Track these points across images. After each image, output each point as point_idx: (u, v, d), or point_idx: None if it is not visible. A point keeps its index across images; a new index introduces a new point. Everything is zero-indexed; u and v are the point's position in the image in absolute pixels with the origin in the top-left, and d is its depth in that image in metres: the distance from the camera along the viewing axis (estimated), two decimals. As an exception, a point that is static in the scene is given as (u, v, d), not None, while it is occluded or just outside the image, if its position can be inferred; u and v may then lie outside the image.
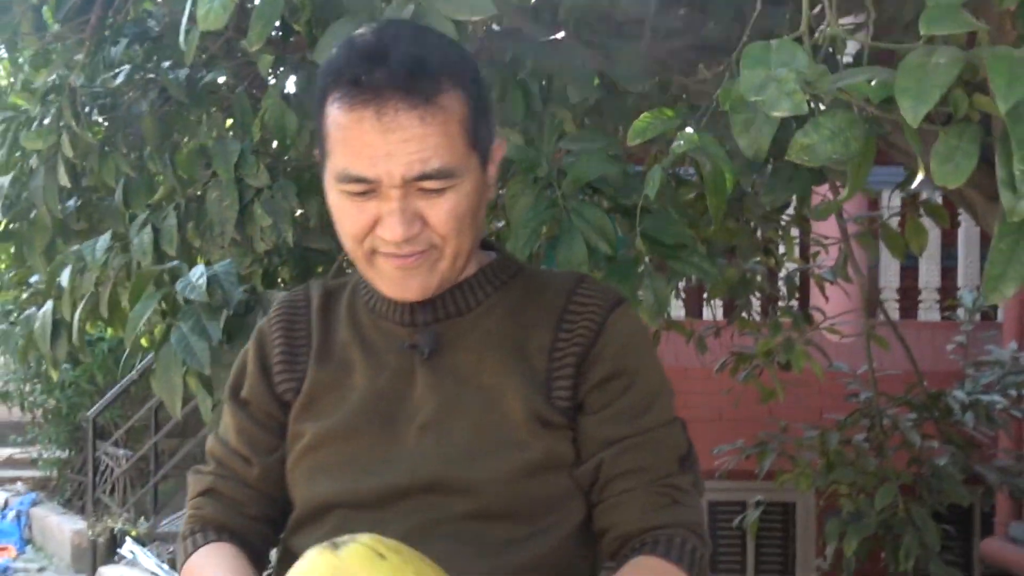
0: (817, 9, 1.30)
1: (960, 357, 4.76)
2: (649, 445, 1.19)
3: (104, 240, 2.15)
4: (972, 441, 4.33)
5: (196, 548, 1.27)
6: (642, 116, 1.41)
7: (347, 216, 1.16)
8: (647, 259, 1.75)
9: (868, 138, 1.03)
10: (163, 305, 1.89)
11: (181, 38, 2.00)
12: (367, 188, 1.13)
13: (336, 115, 1.13)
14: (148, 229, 2.16)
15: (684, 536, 1.18)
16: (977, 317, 5.23)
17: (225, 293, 1.86)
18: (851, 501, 4.13)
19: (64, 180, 2.21)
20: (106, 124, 2.50)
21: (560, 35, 2.39)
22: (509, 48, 2.29)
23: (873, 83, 1.01)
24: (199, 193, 2.28)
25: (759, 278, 4.03)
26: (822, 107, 1.09)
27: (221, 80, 2.49)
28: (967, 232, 6.04)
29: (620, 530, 1.21)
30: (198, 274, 1.78)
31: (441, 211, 1.14)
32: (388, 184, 1.11)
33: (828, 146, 1.02)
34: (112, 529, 6.90)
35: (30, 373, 10.03)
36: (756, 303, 4.50)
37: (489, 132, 1.21)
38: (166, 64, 2.53)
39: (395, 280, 1.17)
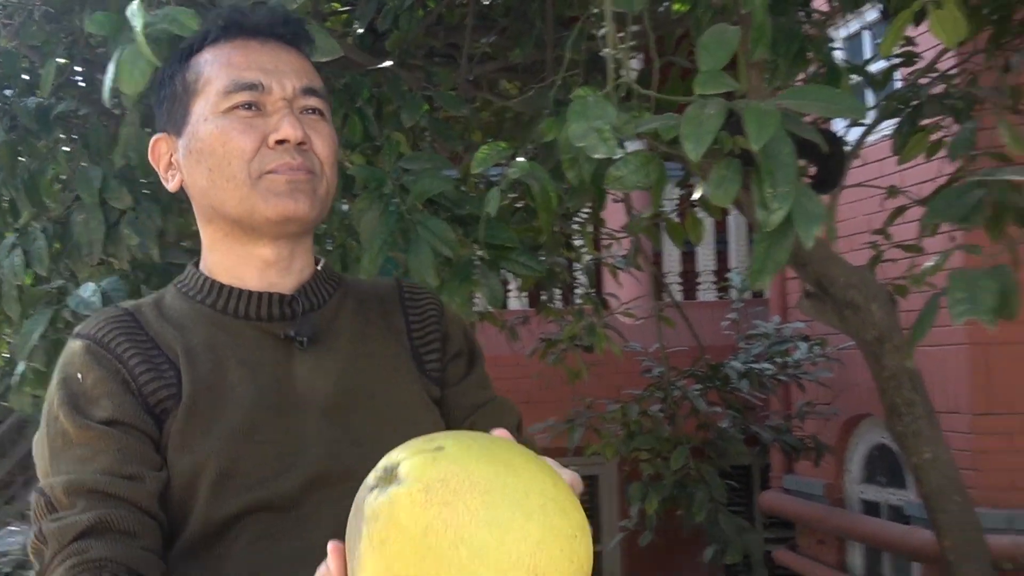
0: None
1: (733, 332, 5.33)
2: (501, 408, 1.37)
3: (-24, 263, 2.30)
4: (748, 405, 4.88)
5: None
6: (481, 148, 1.74)
7: (234, 137, 1.18)
8: (481, 260, 2.08)
9: (661, 169, 1.41)
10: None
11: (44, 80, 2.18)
12: (257, 98, 1.18)
13: (214, 51, 1.20)
14: (19, 251, 2.31)
15: None
16: (748, 295, 5.84)
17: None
18: (651, 465, 4.54)
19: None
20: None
21: (388, 63, 2.69)
22: (344, 76, 2.57)
23: (662, 128, 1.39)
24: (63, 215, 2.45)
25: (558, 270, 4.44)
26: (627, 146, 1.46)
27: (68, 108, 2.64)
28: (736, 220, 6.71)
29: None
30: (90, 291, 1.97)
31: (323, 135, 1.22)
32: (279, 95, 1.19)
33: (634, 177, 1.39)
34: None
35: None
36: (557, 292, 4.92)
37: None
38: (9, 92, 2.67)
39: (284, 194, 1.18)
